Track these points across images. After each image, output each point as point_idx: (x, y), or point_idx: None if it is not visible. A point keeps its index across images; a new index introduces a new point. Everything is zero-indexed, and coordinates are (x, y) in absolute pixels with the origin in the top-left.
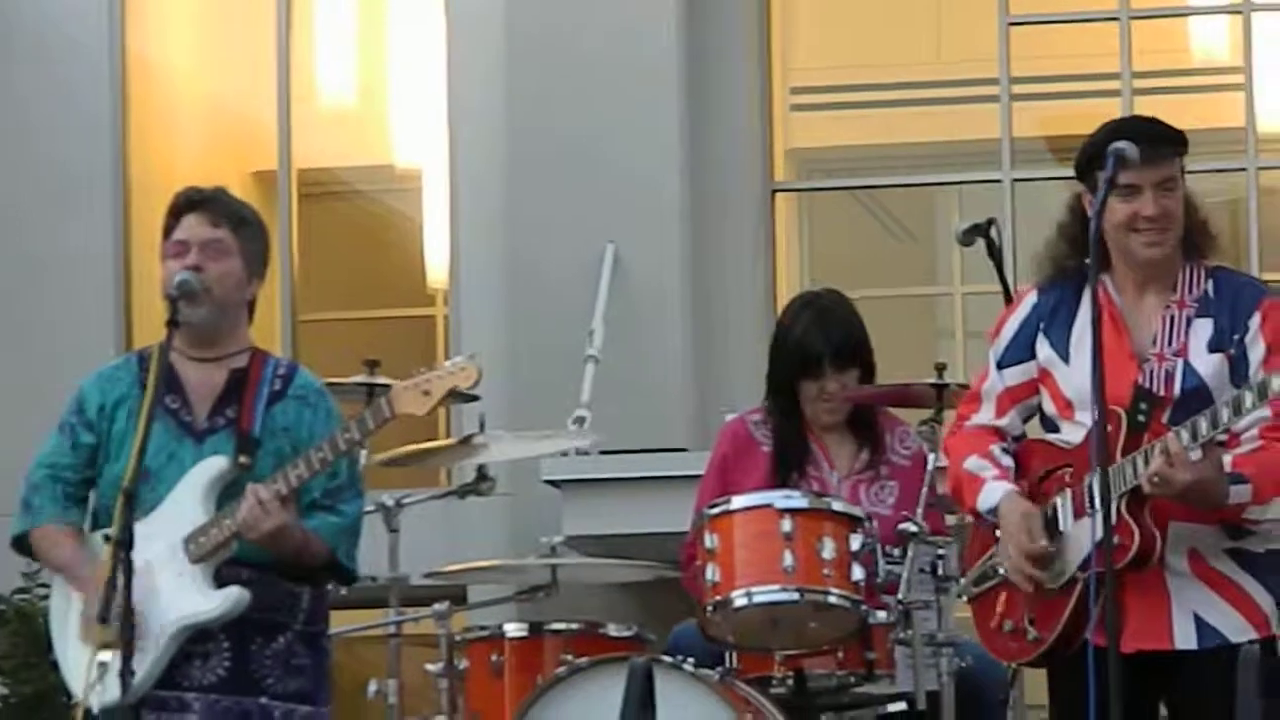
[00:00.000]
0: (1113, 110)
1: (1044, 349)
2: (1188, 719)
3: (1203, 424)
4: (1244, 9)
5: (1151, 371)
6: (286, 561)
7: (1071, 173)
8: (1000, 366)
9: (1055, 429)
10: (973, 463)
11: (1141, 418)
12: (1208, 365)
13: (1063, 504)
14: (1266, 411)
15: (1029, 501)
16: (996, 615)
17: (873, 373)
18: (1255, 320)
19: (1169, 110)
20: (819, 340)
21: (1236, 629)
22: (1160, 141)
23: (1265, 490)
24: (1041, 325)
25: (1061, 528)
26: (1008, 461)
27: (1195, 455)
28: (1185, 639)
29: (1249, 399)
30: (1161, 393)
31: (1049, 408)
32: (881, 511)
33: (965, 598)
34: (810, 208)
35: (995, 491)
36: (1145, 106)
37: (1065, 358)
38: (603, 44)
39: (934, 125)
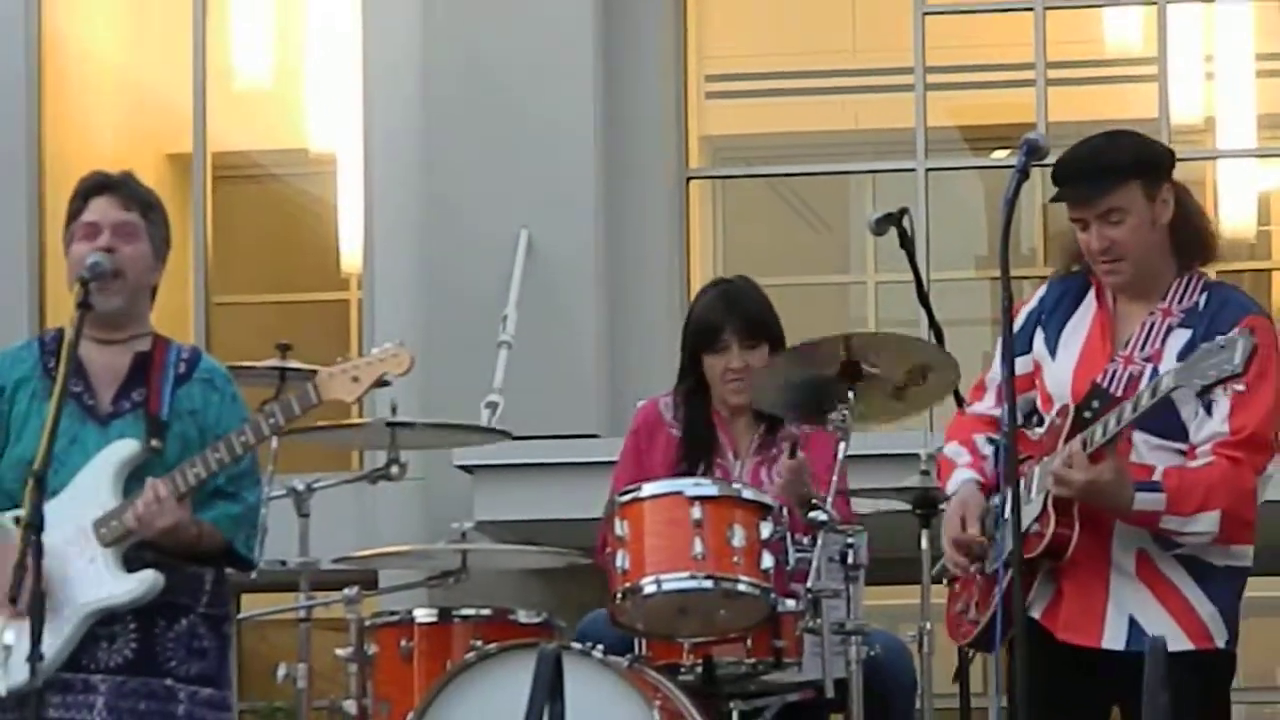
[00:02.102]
0: (1027, 100)
1: (1038, 343)
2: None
3: (1110, 423)
4: (1158, 1)
5: (1115, 373)
6: (180, 553)
7: (984, 162)
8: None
9: (1042, 421)
10: (951, 449)
11: (1089, 414)
12: None
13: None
14: (1224, 427)
15: (982, 491)
16: (959, 599)
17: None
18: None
19: (1083, 101)
20: (720, 314)
21: (1171, 638)
22: (1098, 174)
23: (1182, 503)
24: (1042, 318)
25: (1006, 516)
26: (987, 450)
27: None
28: (1114, 639)
29: (1145, 397)
30: (1120, 394)
31: (1039, 400)
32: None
33: (943, 580)
34: (725, 195)
35: (957, 478)
36: (1059, 97)
37: (1052, 353)
38: (519, 31)
39: (848, 114)
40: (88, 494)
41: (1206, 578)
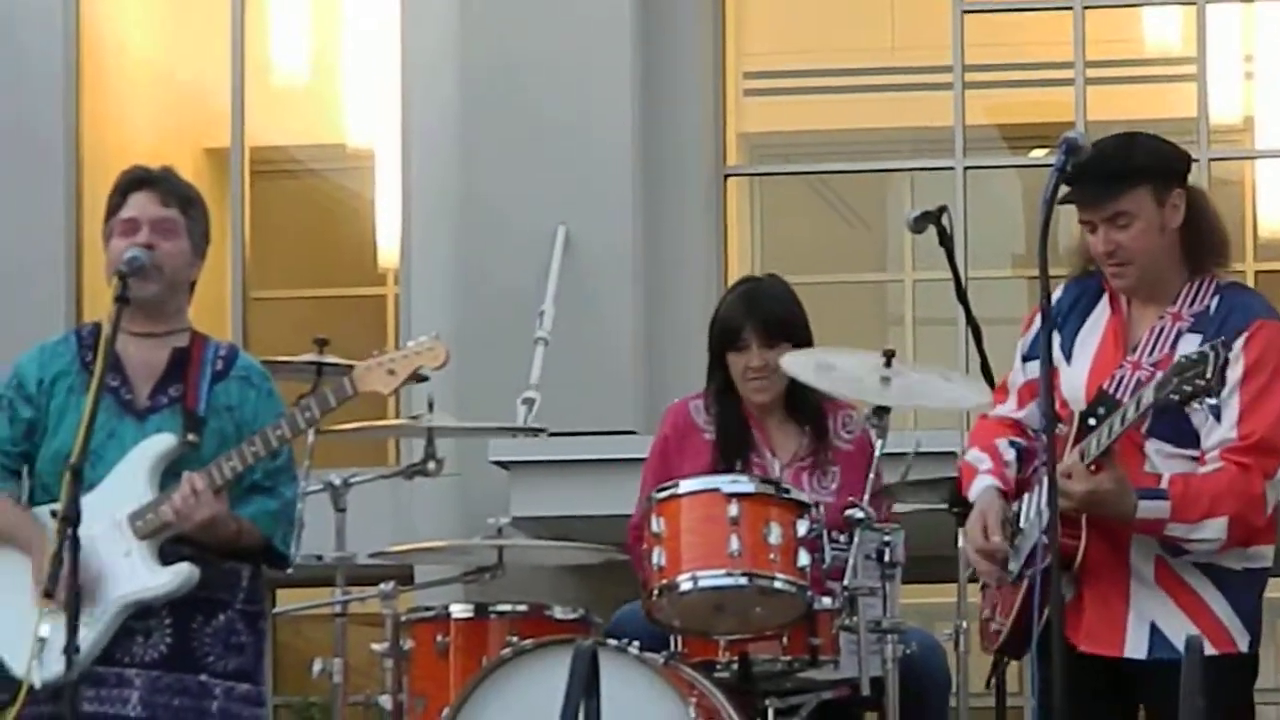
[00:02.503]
0: (1066, 99)
1: (1055, 346)
2: None
3: (1104, 435)
4: (1198, 0)
5: (1122, 378)
6: (218, 548)
7: (1023, 161)
8: (1024, 359)
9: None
10: (973, 455)
11: (1093, 421)
12: None
13: (1027, 501)
14: (1232, 433)
15: (1003, 499)
16: (986, 605)
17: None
18: (1240, 341)
19: (1122, 100)
20: (741, 313)
21: None
22: (1107, 178)
23: (1187, 511)
24: (1058, 321)
25: (1022, 524)
26: (1009, 455)
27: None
28: (1136, 648)
29: (1130, 411)
30: (1126, 399)
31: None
32: (825, 499)
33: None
34: (762, 193)
35: (978, 486)
36: (1098, 96)
37: (1068, 357)
38: (557, 27)
39: (887, 111)
40: (124, 488)
41: (1226, 581)
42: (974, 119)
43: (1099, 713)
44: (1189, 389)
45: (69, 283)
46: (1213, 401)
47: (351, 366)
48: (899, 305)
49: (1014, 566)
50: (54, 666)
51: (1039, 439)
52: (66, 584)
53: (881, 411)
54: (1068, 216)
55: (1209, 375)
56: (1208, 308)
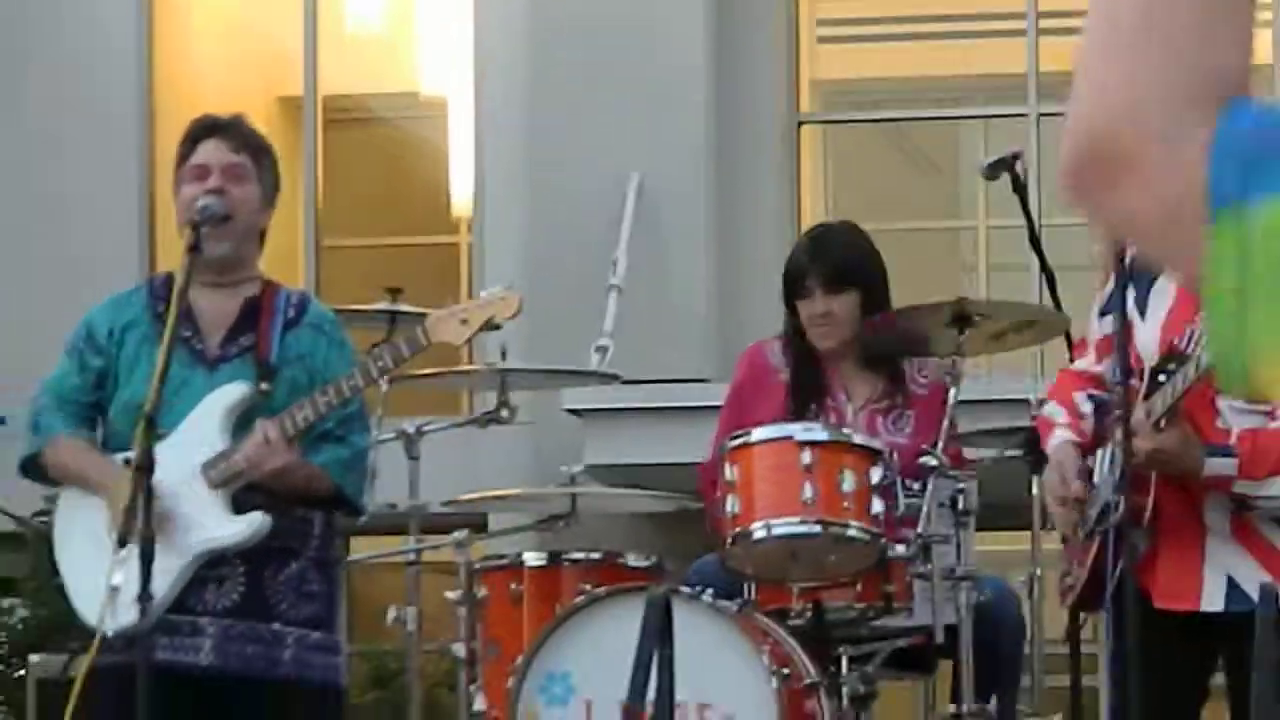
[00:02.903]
0: None
1: (1130, 302)
2: (1231, 680)
3: (1168, 393)
4: None
5: (1193, 333)
6: (291, 496)
7: None
8: (1101, 314)
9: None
10: (1050, 408)
11: (1163, 377)
12: None
13: (1101, 457)
14: None
15: (1078, 451)
16: (1066, 562)
17: (880, 298)
18: None
19: None
20: (806, 260)
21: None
22: None
23: (1256, 467)
24: (1133, 276)
25: (1096, 479)
26: (1086, 408)
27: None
28: (1212, 600)
29: (1193, 368)
30: (1196, 354)
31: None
32: (899, 441)
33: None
34: (835, 140)
35: (1055, 440)
36: None
37: (1141, 313)
38: None
39: (960, 58)
40: (196, 437)
41: None
42: (1047, 65)
43: (1177, 666)
44: None
45: (143, 236)
46: None
47: (424, 315)
48: (972, 253)
49: (1087, 519)
50: (127, 615)
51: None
52: (141, 532)
53: (954, 357)
54: None
55: None
56: None
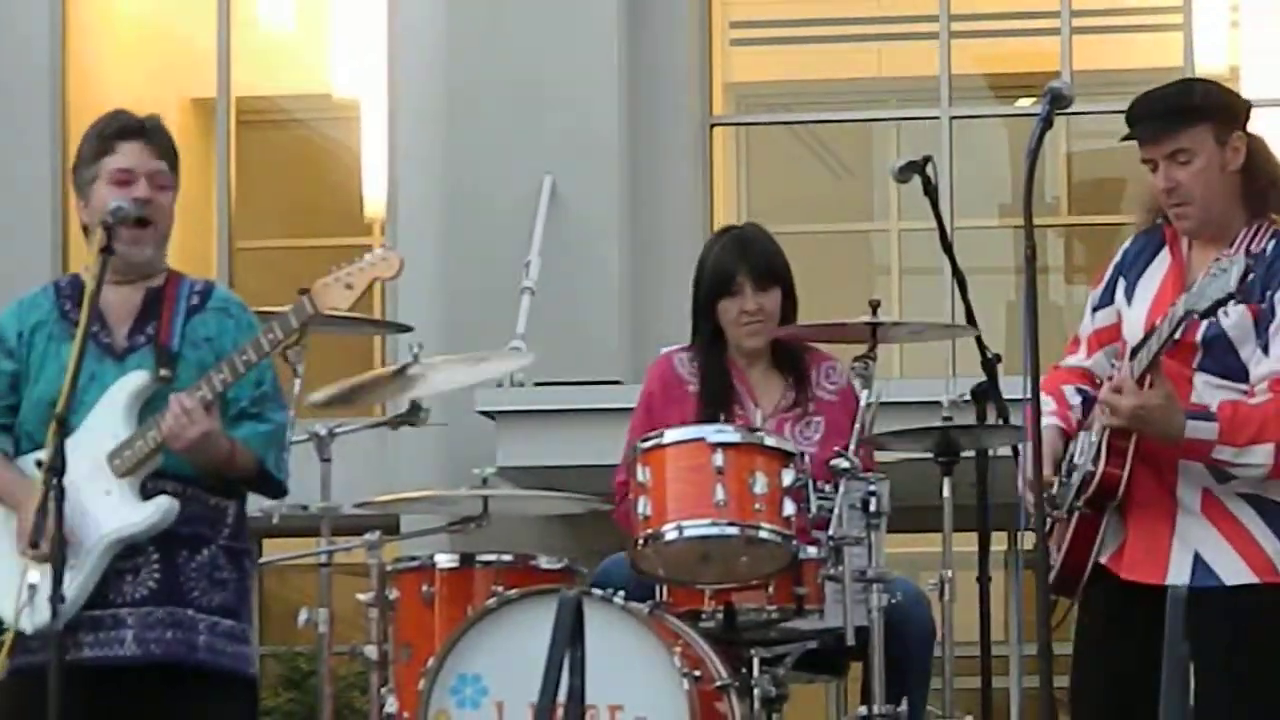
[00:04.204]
0: (1052, 48)
1: (1119, 294)
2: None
3: (1153, 345)
4: None
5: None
6: (213, 472)
7: (1009, 110)
8: (1093, 310)
9: None
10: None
11: (1146, 355)
12: (1232, 316)
13: (1081, 439)
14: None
15: (1062, 438)
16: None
17: (794, 298)
18: None
19: (1108, 49)
20: (734, 258)
21: (1234, 572)
22: (1169, 114)
23: (1236, 434)
24: (1124, 270)
25: (1077, 461)
26: (1075, 400)
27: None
28: (1179, 575)
29: (1165, 328)
30: (1179, 336)
31: (1120, 349)
32: (808, 449)
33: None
34: (749, 142)
35: (1041, 423)
36: (1084, 45)
37: (1129, 301)
38: None
39: (873, 61)
40: (102, 428)
41: (1271, 513)
42: (960, 68)
43: (1143, 642)
44: (1214, 296)
45: (54, 236)
46: (1241, 305)
47: (337, 317)
48: (884, 255)
49: (1064, 500)
50: (45, 613)
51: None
52: (50, 535)
53: (866, 361)
54: (1053, 166)
55: (1231, 282)
56: (1264, 249)
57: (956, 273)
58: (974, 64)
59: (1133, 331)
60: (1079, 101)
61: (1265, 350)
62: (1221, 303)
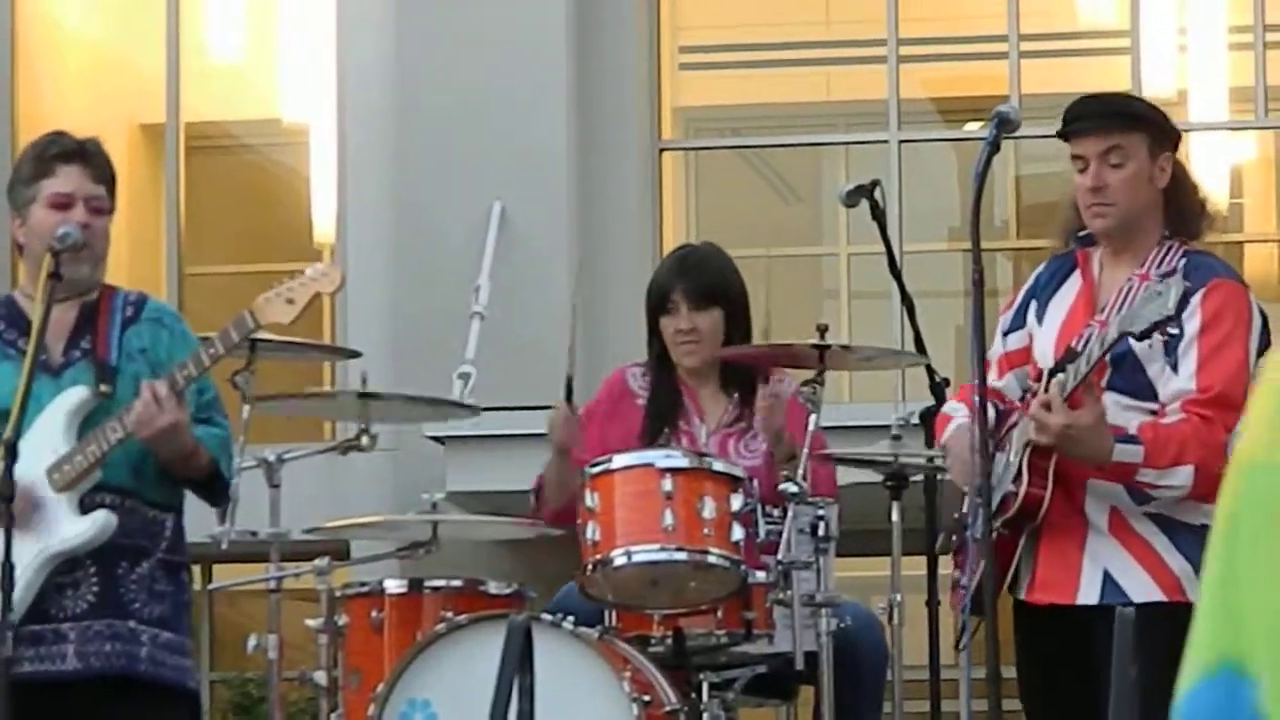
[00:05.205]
0: (1000, 72)
1: (1030, 316)
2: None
3: (1081, 365)
4: None
5: (1089, 335)
6: (176, 467)
7: (957, 134)
8: (1004, 333)
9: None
10: (950, 406)
11: (1061, 375)
12: None
13: (999, 460)
14: (1191, 384)
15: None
16: (957, 568)
17: (742, 319)
18: (1198, 297)
19: (1056, 73)
20: (672, 276)
21: (1142, 589)
22: (1108, 114)
23: (1159, 456)
24: (1036, 294)
25: (992, 480)
26: (990, 412)
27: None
28: (1089, 594)
29: (1096, 347)
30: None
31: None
32: (752, 463)
33: (949, 552)
34: (698, 167)
35: (950, 426)
36: (1032, 70)
37: (1040, 322)
38: (492, 2)
39: (821, 85)
40: (41, 444)
41: (1179, 534)
42: (908, 92)
43: (1056, 667)
44: (1150, 318)
45: (3, 262)
46: (1174, 331)
47: (288, 342)
48: (834, 279)
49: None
50: None
51: (1016, 405)
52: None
53: (815, 384)
54: (1001, 189)
55: (1170, 304)
56: (1175, 269)
57: (905, 297)
58: (922, 88)
59: (1042, 351)
60: (1027, 125)
61: (1175, 369)
62: (1159, 324)
